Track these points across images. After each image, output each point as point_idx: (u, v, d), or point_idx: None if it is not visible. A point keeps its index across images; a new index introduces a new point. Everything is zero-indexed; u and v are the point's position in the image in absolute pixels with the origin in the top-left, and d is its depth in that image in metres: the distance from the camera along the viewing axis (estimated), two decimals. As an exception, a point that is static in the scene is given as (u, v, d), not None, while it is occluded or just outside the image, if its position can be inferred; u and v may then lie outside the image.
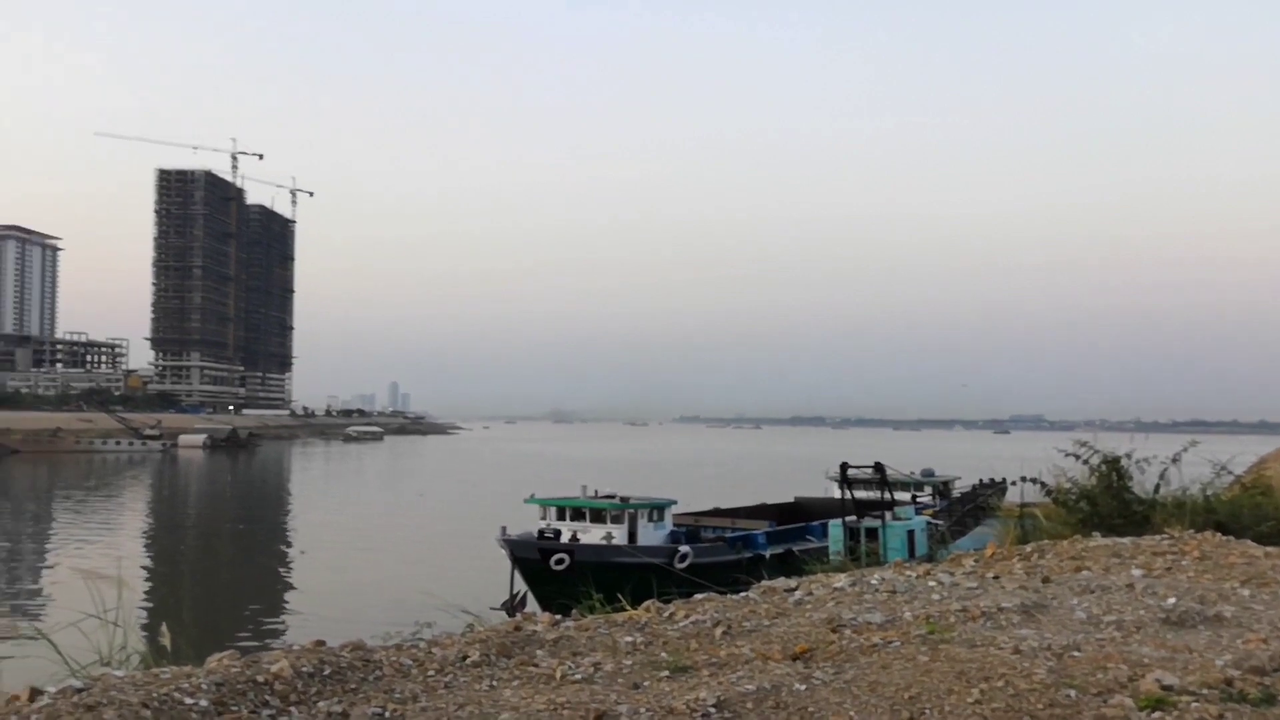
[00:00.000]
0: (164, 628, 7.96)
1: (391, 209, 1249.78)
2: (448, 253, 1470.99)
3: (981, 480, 59.93)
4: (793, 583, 9.99)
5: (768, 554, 40.58)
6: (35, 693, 5.98)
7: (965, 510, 50.41)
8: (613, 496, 43.19)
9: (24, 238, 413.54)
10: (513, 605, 34.53)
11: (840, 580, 9.94)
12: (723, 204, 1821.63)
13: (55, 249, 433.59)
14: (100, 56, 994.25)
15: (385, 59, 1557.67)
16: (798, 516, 51.14)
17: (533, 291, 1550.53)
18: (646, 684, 6.44)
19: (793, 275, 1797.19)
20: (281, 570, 53.02)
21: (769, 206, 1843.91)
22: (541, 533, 40.58)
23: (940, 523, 39.42)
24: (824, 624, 7.88)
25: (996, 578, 9.96)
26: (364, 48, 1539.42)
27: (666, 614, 8.48)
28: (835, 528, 36.15)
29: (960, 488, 60.57)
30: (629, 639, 7.60)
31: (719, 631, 7.79)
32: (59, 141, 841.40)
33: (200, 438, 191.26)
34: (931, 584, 9.62)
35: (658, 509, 43.27)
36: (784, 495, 59.97)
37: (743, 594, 9.46)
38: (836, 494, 40.06)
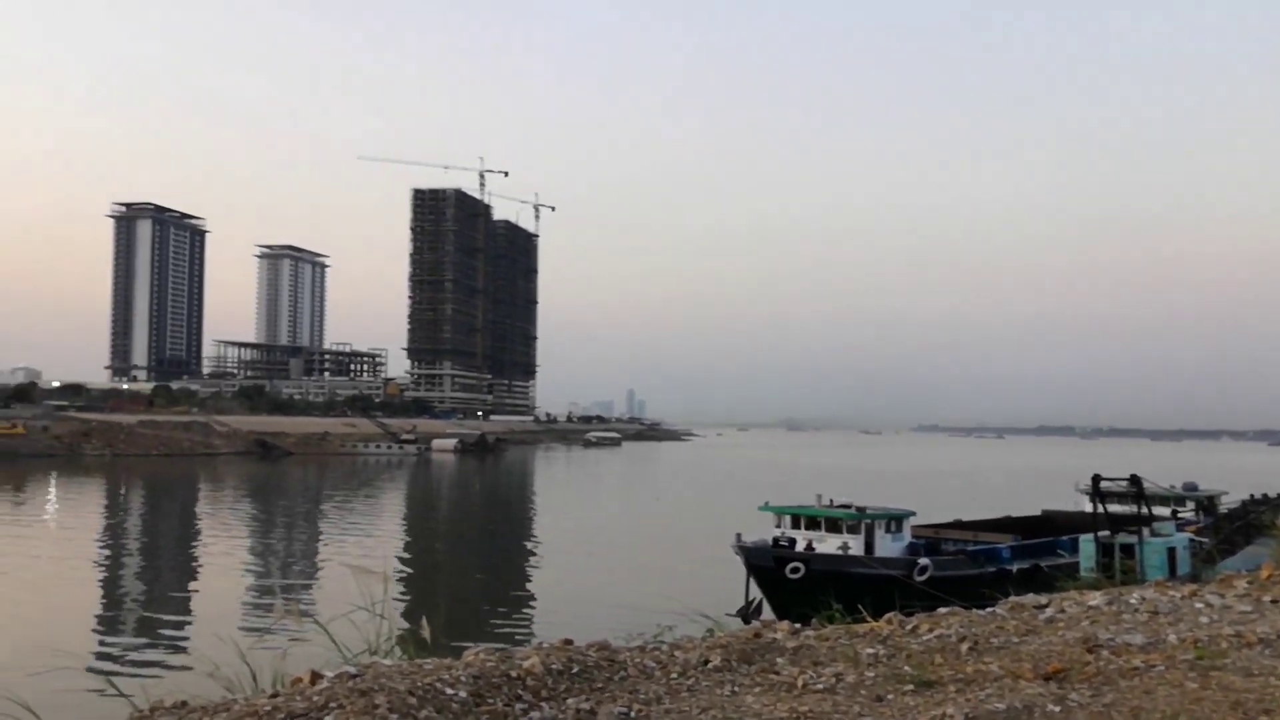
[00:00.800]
0: (424, 621, 8.48)
1: (628, 219, 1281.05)
2: (681, 261, 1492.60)
3: (1253, 496, 55.13)
4: (1043, 599, 9.56)
5: (1013, 569, 38.82)
6: (316, 676, 6.54)
7: (1234, 528, 46.46)
8: (849, 506, 42.48)
9: (297, 256, 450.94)
10: (748, 612, 34.54)
11: (1095, 598, 9.43)
12: (960, 197, 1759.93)
13: (323, 266, 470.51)
14: (360, 89, 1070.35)
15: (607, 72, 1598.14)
16: (1045, 530, 48.62)
17: (766, 296, 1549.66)
18: (890, 697, 6.32)
19: (1035, 273, 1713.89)
20: (525, 569, 55.22)
21: (1018, 199, 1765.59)
22: (776, 541, 40.40)
23: (1205, 540, 36.47)
24: (1078, 643, 7.49)
25: (1275, 602, 9.17)
26: (589, 65, 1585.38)
27: (909, 627, 8.30)
28: (1087, 543, 34.11)
29: (1228, 503, 55.91)
30: (870, 651, 7.49)
31: (965, 647, 7.56)
32: (326, 166, 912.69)
33: (451, 442, 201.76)
34: (1199, 605, 8.97)
35: (895, 520, 42.24)
36: (1030, 508, 57.24)
37: (989, 609, 9.12)
38: (1087, 507, 37.81)
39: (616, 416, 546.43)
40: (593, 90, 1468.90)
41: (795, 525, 41.80)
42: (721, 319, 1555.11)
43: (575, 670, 6.88)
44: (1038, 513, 55.39)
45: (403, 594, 43.03)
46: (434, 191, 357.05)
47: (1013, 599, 9.55)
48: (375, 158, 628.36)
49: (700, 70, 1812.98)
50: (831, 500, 43.06)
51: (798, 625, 8.46)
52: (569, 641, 7.70)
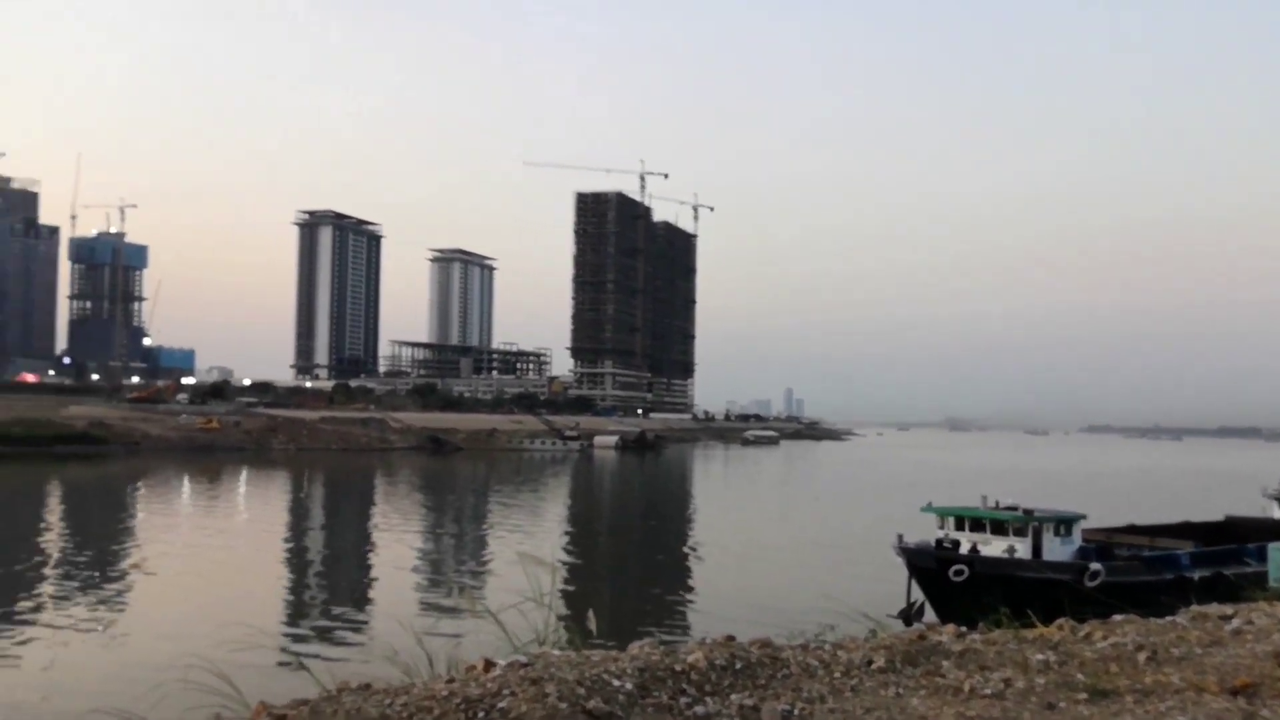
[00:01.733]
0: (590, 613, 8.71)
1: (785, 216, 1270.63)
2: (840, 258, 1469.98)
3: None
4: (1229, 609, 9.09)
5: (1193, 577, 36.75)
6: (489, 664, 6.82)
7: None
8: (1015, 508, 41.00)
9: (466, 260, 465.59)
10: (910, 614, 33.85)
11: (1289, 610, 8.90)
12: (1138, 191, 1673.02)
13: (491, 269, 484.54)
14: (527, 97, 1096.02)
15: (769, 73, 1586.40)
16: (1229, 537, 45.81)
17: (926, 295, 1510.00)
18: (1062, 705, 6.17)
19: (1221, 262, 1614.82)
20: (685, 565, 55.55)
21: (1203, 183, 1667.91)
22: (939, 542, 39.41)
23: None
24: (1270, 657, 7.11)
25: None
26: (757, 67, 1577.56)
27: (1081, 634, 8.04)
28: (1277, 551, 32.06)
29: None
30: (1040, 657, 7.30)
31: (1142, 657, 7.28)
32: (495, 173, 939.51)
33: (613, 439, 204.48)
34: None
35: (1065, 523, 40.57)
36: (1211, 513, 54.02)
37: (1168, 619, 8.74)
38: (1277, 513, 35.50)
39: (774, 415, 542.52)
40: (746, 88, 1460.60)
41: (959, 527, 40.67)
42: (881, 317, 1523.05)
43: (739, 666, 6.96)
44: (1221, 518, 52.26)
45: (567, 586, 43.95)
46: (596, 195, 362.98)
47: (1195, 608, 9.11)
48: (541, 163, 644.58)
49: (841, 67, 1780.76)
50: (997, 502, 41.70)
51: (963, 628, 8.30)
52: (731, 638, 7.78)
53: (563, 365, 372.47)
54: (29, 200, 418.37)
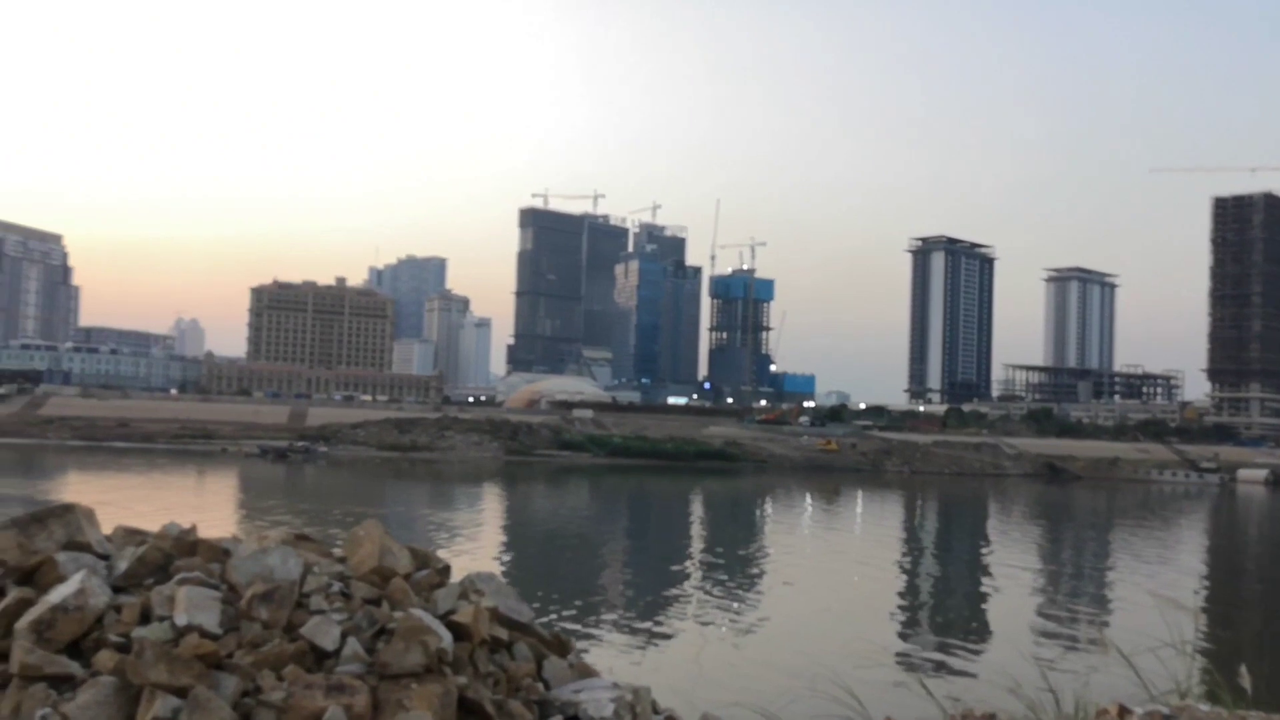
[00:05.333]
0: (1243, 669, 7.75)
1: None
2: None
3: None
4: None
5: None
6: (1124, 710, 6.36)
7: None
8: None
9: (1084, 278, 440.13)
10: None
11: None
12: None
13: (1112, 286, 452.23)
14: (1153, 101, 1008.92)
15: None
16: None
17: None
18: None
19: None
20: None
21: None
22: None
23: None
24: None
25: None
26: None
27: None
28: None
29: None
30: None
31: None
32: (1113, 184, 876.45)
33: (1261, 473, 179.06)
34: None
35: None
36: None
37: None
38: None
39: None
40: None
41: None
42: None
43: None
44: None
45: (1211, 634, 39.32)
46: (1237, 198, 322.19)
47: None
48: (1170, 168, 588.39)
49: None
50: None
51: None
52: None
53: (1196, 389, 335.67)
54: (678, 245, 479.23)
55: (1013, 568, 59.27)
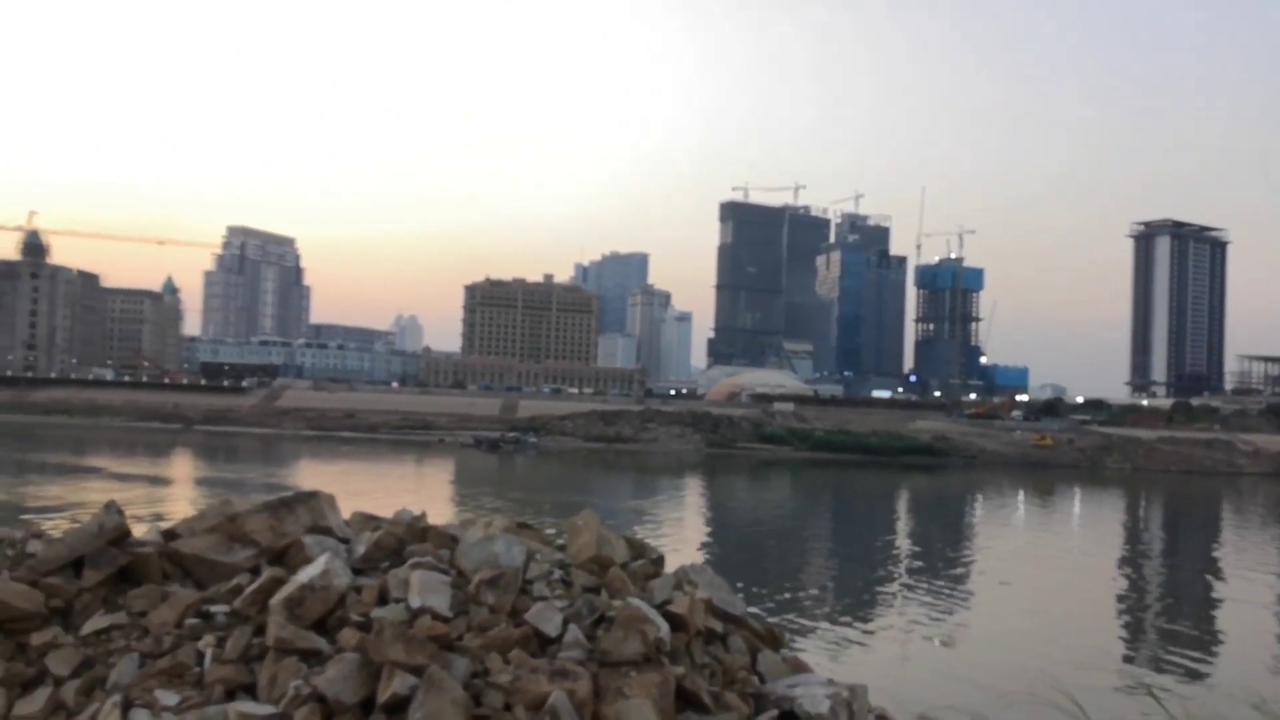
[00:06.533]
0: None
1: None
2: None
3: None
4: None
5: None
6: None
7: None
8: None
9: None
10: None
11: None
12: None
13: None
14: None
15: None
16: None
17: None
18: None
19: None
20: None
21: None
22: None
23: None
24: None
25: None
26: None
27: None
28: None
29: None
30: None
31: None
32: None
33: None
34: None
35: None
36: None
37: None
38: None
39: None
40: None
41: None
42: None
43: None
44: None
45: None
46: None
47: None
48: None
49: None
50: None
51: None
52: None
53: None
54: (881, 235, 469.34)
55: (1252, 572, 55.07)
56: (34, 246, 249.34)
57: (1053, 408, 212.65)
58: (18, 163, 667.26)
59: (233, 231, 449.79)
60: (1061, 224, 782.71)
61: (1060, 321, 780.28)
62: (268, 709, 5.46)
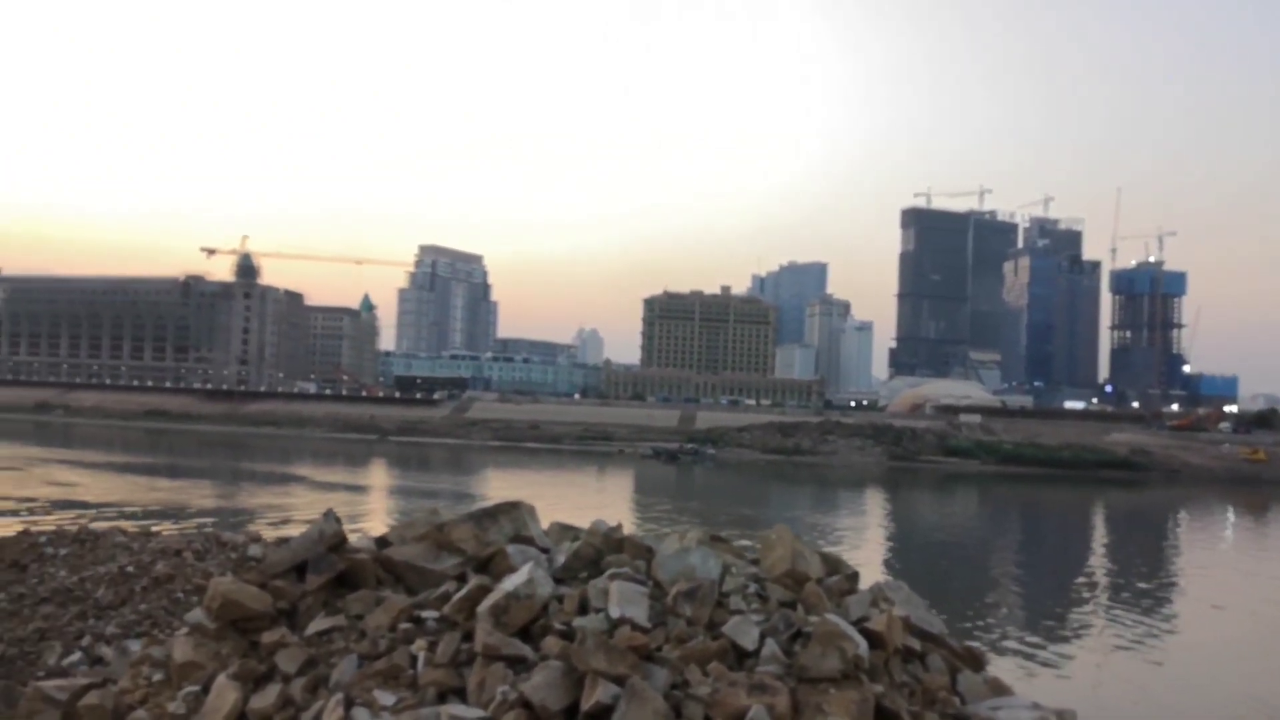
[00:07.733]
0: None
1: None
2: None
3: None
4: None
5: None
6: None
7: None
8: None
9: None
10: None
11: None
12: None
13: None
14: None
15: None
16: None
17: None
18: None
19: None
20: None
21: None
22: None
23: None
24: None
25: None
26: None
27: None
28: None
29: None
30: None
31: None
32: None
33: None
34: None
35: None
36: None
37: None
38: None
39: None
40: None
41: None
42: None
43: None
44: None
45: None
46: None
47: None
48: None
49: None
50: None
51: None
52: None
53: None
54: (1073, 239, 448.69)
55: None
56: (247, 268, 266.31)
57: (1266, 419, 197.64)
58: (225, 187, 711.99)
59: (424, 250, 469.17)
60: (1273, 224, 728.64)
61: (1275, 329, 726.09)
62: (477, 713, 5.69)
